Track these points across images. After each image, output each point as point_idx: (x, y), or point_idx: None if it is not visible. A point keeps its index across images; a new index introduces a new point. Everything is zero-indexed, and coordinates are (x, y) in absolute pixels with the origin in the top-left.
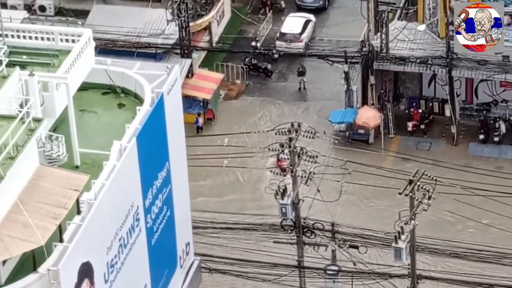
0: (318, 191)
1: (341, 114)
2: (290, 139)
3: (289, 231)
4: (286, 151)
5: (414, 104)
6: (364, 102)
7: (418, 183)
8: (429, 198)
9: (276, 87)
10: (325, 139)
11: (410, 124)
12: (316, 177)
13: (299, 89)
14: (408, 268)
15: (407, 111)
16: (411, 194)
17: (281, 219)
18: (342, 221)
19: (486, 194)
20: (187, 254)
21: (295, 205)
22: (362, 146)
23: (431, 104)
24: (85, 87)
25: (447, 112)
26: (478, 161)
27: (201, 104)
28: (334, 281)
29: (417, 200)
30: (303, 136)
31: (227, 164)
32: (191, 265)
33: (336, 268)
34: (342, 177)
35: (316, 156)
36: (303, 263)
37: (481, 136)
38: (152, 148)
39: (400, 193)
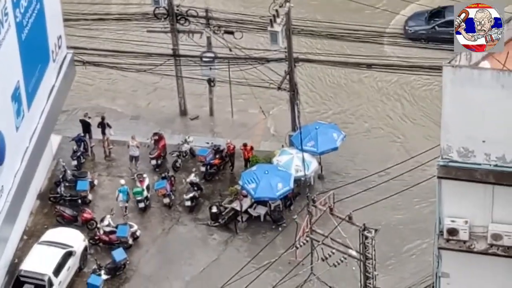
0: None
1: None
2: None
3: (163, 19)
4: None
5: None
6: None
7: None
8: None
9: None
10: None
11: None
12: None
13: None
14: (285, 52)
15: None
16: None
17: (154, 7)
18: (216, 7)
19: None
20: (59, 47)
21: None
22: None
23: None
24: None
25: None
26: None
27: None
28: (210, 68)
29: None
30: None
31: None
32: (64, 58)
33: (212, 54)
34: None
35: None
36: (178, 51)
37: None
38: None
39: None
